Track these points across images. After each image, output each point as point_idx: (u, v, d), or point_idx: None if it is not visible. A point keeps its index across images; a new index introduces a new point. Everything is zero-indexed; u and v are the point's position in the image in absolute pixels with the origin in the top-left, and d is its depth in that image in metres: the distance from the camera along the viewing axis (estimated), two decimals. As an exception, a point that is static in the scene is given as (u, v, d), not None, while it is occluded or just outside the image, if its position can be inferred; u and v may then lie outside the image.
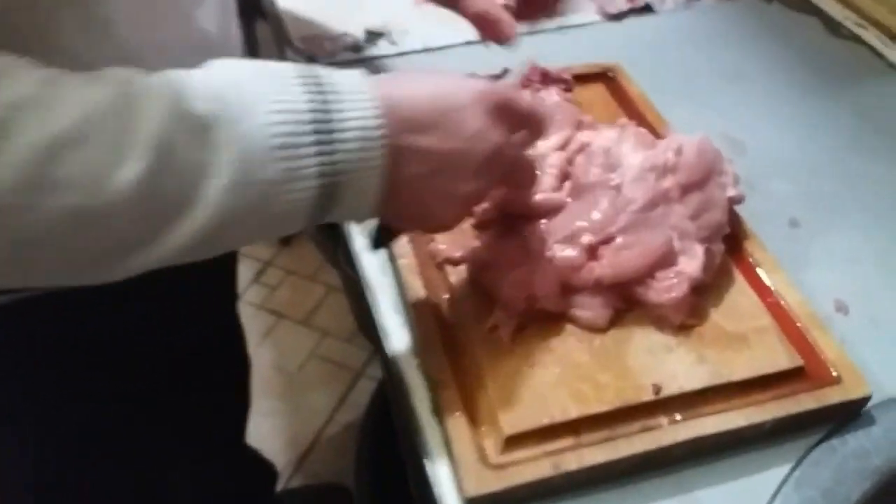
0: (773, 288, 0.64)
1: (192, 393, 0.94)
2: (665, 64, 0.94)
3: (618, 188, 0.63)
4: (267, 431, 1.62)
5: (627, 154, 0.64)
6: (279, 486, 1.45)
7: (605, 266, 0.60)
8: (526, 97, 0.56)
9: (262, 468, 1.26)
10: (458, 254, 0.65)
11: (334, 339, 1.76)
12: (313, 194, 0.44)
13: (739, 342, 0.60)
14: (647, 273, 0.60)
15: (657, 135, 0.77)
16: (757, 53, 0.97)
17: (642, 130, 0.68)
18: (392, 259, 0.67)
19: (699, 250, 0.61)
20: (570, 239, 0.61)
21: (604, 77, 0.87)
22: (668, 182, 0.62)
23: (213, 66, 0.44)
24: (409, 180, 0.47)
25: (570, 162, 0.67)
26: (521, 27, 0.80)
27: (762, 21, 1.03)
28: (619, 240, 0.61)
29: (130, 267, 0.41)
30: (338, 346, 1.75)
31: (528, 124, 0.54)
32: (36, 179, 0.35)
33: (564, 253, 0.60)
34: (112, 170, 0.37)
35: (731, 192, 0.65)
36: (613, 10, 1.01)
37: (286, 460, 1.58)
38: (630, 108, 0.83)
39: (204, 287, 0.78)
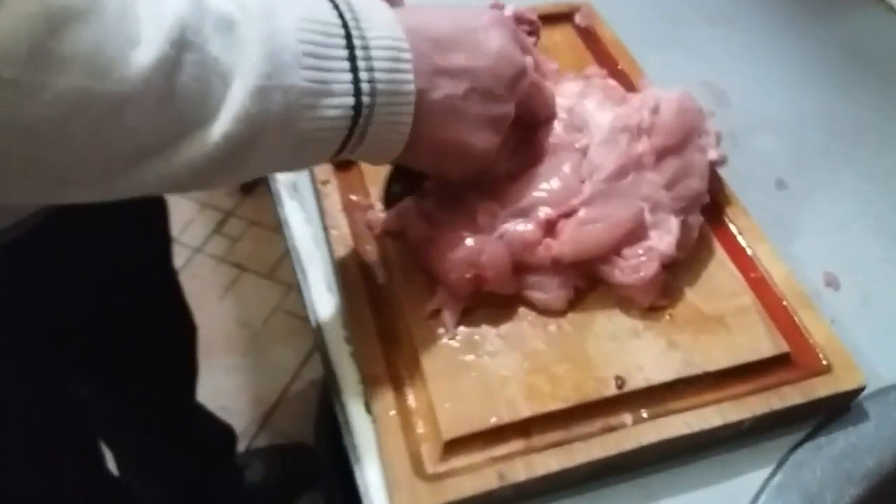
0: (756, 261, 0.56)
1: (128, 353, 0.89)
2: (642, 4, 0.85)
3: (583, 151, 0.54)
4: (231, 389, 1.56)
5: (594, 112, 0.55)
6: (243, 446, 1.41)
7: (565, 243, 0.52)
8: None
9: (218, 431, 1.21)
10: (397, 224, 0.57)
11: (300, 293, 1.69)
12: (345, 114, 0.41)
13: (716, 325, 0.53)
14: (613, 251, 0.52)
15: (632, 87, 0.69)
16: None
17: (611, 83, 0.59)
18: (325, 228, 0.59)
19: (674, 224, 0.53)
20: (525, 212, 0.52)
21: (572, 18, 0.77)
22: (642, 146, 0.53)
23: None
24: (441, 104, 0.45)
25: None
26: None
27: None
28: (581, 213, 0.53)
29: (137, 181, 0.36)
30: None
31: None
32: (38, 54, 0.31)
33: (517, 228, 0.52)
34: (126, 52, 0.33)
35: (712, 156, 0.57)
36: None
37: (251, 419, 1.52)
38: (601, 55, 0.74)
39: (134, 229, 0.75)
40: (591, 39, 0.76)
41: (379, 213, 0.58)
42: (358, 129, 0.42)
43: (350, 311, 0.53)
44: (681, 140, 0.54)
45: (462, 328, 0.52)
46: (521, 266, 0.52)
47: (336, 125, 0.41)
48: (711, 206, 0.59)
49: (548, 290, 0.52)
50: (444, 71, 0.45)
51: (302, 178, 0.64)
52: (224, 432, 1.22)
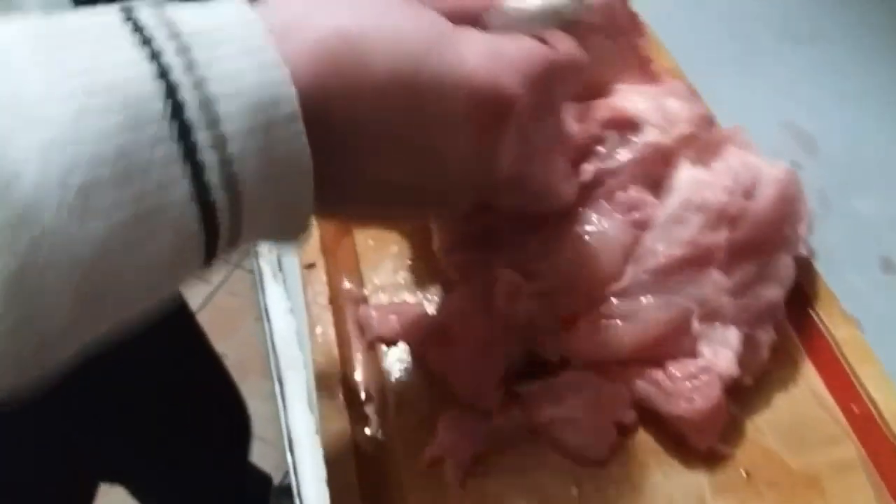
0: (860, 388, 0.43)
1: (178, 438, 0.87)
2: (709, 22, 0.71)
3: (640, 225, 0.41)
4: (267, 416, 1.47)
5: (682, 169, 0.42)
6: (277, 479, 1.35)
7: (578, 339, 0.39)
8: (564, 41, 0.34)
9: (255, 480, 1.16)
10: (393, 328, 0.45)
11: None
12: (185, 232, 0.25)
13: (809, 489, 0.39)
14: (647, 360, 0.40)
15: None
16: (840, 3, 0.72)
17: (718, 133, 0.45)
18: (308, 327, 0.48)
19: (733, 336, 0.40)
20: (550, 293, 0.40)
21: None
22: (718, 236, 0.40)
23: None
24: (348, 188, 0.30)
25: (588, 148, 0.42)
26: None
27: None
28: (613, 303, 0.40)
29: None
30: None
31: (562, 92, 0.35)
32: None
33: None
34: None
35: (803, 252, 0.43)
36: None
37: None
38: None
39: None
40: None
41: (374, 310, 0.46)
42: (222, 236, 0.26)
43: (330, 461, 0.41)
44: (770, 237, 0.41)
45: (471, 483, 0.40)
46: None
47: (178, 256, 0.25)
48: (797, 299, 0.45)
49: (582, 432, 0.40)
50: (359, 128, 0.29)
51: (289, 253, 0.53)
52: (260, 480, 1.16)
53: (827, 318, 0.46)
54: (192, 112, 0.24)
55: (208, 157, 0.24)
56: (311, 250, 0.50)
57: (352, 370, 0.45)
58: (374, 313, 0.46)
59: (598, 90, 0.42)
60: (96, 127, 0.22)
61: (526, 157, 0.33)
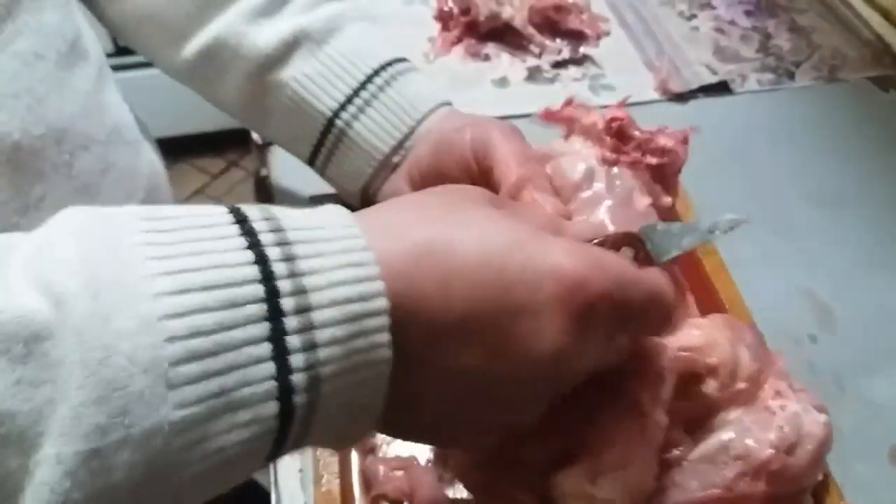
0: None
1: None
2: (733, 170, 0.72)
3: (667, 463, 0.40)
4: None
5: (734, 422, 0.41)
6: None
7: None
8: (651, 276, 0.33)
9: None
10: (399, 487, 0.45)
11: None
12: (262, 430, 0.26)
13: None
14: None
15: (711, 289, 0.56)
16: (864, 167, 0.73)
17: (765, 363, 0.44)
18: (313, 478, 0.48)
19: None
20: None
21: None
22: (751, 487, 0.39)
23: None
24: (421, 402, 0.31)
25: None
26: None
27: (874, 116, 0.78)
28: None
29: None
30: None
31: (644, 320, 0.34)
32: None
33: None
34: None
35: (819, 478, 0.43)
36: (678, 87, 0.78)
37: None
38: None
39: None
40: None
41: (381, 463, 0.46)
42: (292, 434, 0.27)
43: None
44: (800, 490, 0.41)
45: None
46: None
47: (249, 447, 0.26)
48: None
49: None
50: (437, 370, 0.30)
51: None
52: None
53: (831, 506, 0.46)
54: (289, 318, 0.25)
55: (296, 361, 0.25)
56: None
57: (354, 528, 0.45)
58: (381, 468, 0.46)
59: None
60: (197, 317, 0.24)
61: (609, 359, 0.33)
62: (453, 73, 0.80)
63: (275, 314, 0.25)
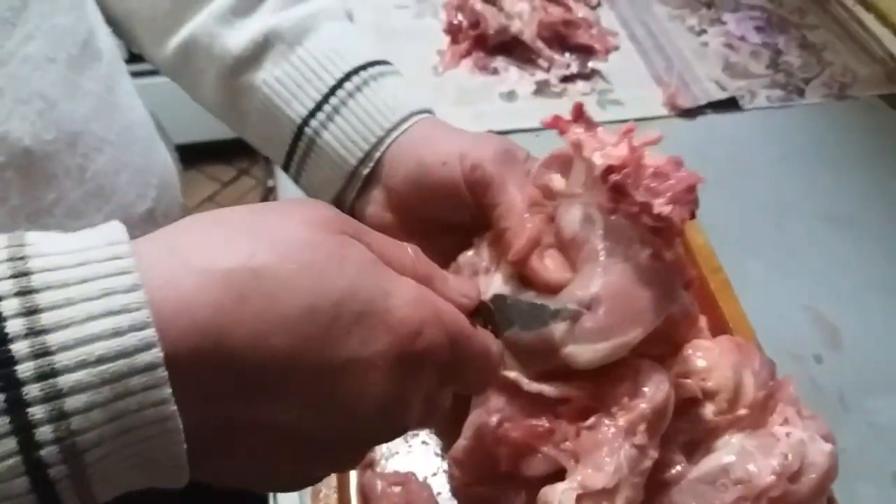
0: None
1: None
2: (741, 187, 0.71)
3: (662, 484, 0.40)
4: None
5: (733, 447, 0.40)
6: None
7: None
8: (483, 336, 0.32)
9: None
10: (394, 501, 0.45)
11: None
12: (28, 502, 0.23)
13: None
14: None
15: (714, 308, 0.56)
16: (874, 186, 0.72)
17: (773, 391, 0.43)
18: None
19: None
20: None
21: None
22: None
23: None
24: (230, 453, 0.27)
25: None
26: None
27: (885, 134, 0.78)
28: None
29: None
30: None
31: (468, 377, 0.32)
32: None
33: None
34: None
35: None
36: (686, 103, 0.78)
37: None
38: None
39: None
40: (674, 239, 0.63)
41: (379, 479, 0.46)
42: (66, 499, 0.23)
43: None
44: None
45: None
46: None
47: None
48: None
49: None
50: (245, 425, 0.26)
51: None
52: None
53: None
54: (29, 387, 0.22)
55: (43, 434, 0.22)
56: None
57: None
58: (379, 483, 0.46)
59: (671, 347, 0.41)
60: None
61: (429, 414, 0.31)
62: (462, 86, 0.80)
63: (11, 384, 0.22)
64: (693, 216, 0.36)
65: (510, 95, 0.79)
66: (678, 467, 0.39)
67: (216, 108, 0.51)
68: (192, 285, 0.24)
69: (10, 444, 0.22)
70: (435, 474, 0.45)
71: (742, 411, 0.40)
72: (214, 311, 0.24)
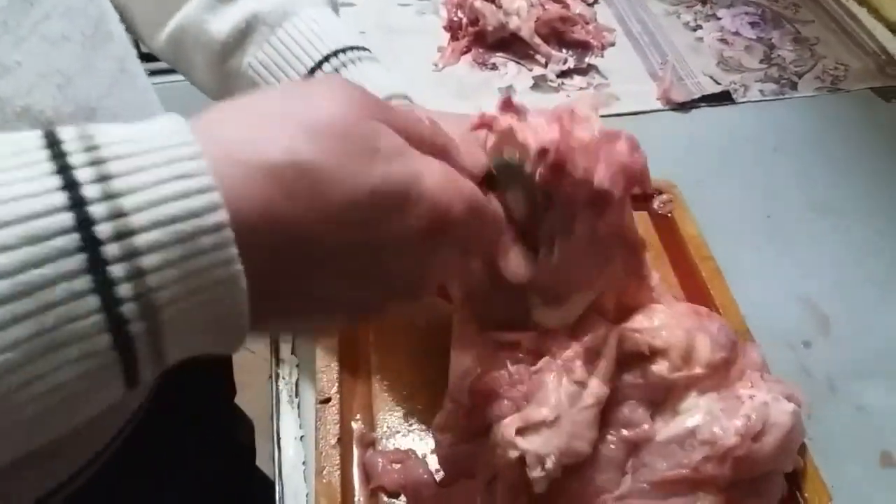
0: None
1: None
2: (734, 179, 0.73)
3: (632, 443, 0.42)
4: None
5: (698, 402, 0.43)
6: None
7: None
8: (493, 202, 0.36)
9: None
10: (396, 479, 0.47)
11: None
12: (107, 360, 0.24)
13: None
14: None
15: (705, 295, 0.58)
16: (865, 177, 0.74)
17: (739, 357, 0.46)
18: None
19: None
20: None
21: (650, 202, 0.66)
22: (717, 470, 0.41)
23: None
24: (296, 285, 0.29)
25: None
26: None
27: (876, 126, 0.79)
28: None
29: None
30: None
31: (483, 240, 0.37)
32: None
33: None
34: None
35: (788, 469, 0.45)
36: (681, 97, 0.80)
37: None
38: (675, 251, 0.63)
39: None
40: (667, 229, 0.65)
41: (379, 457, 0.48)
42: (141, 360, 0.25)
43: None
44: (766, 468, 0.42)
45: None
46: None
47: (93, 380, 0.24)
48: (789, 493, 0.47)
49: None
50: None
51: (307, 381, 0.55)
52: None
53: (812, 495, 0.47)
54: (108, 246, 0.23)
55: (123, 291, 0.23)
56: (327, 385, 0.52)
57: (352, 519, 0.46)
58: (379, 461, 0.48)
59: (622, 310, 0.44)
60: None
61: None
62: (462, 81, 0.82)
63: (91, 243, 0.23)
64: (639, 187, 0.38)
65: (509, 90, 0.81)
66: (645, 426, 0.42)
67: (212, 93, 0.53)
68: (239, 179, 0.26)
69: (93, 301, 0.23)
70: (433, 452, 0.47)
71: (698, 370, 0.42)
72: (263, 205, 0.26)
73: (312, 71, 0.48)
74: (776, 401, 0.42)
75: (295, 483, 0.51)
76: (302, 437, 0.53)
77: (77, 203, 0.23)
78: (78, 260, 0.23)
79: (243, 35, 0.49)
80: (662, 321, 0.42)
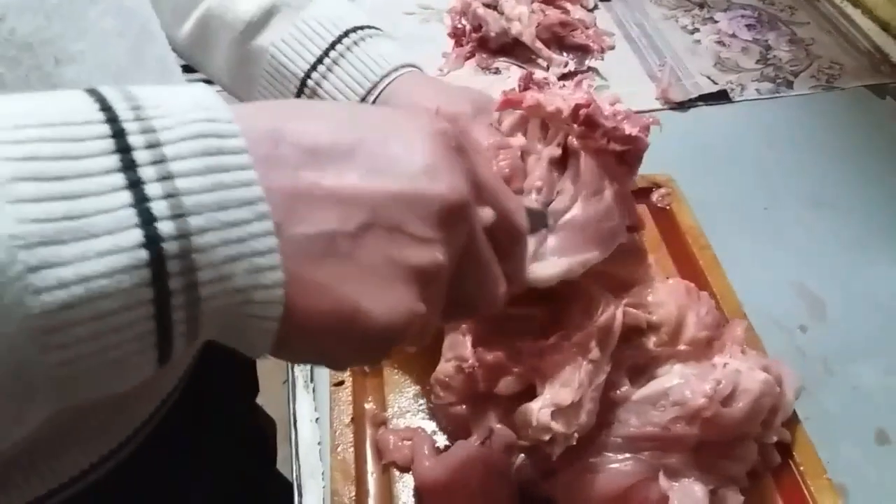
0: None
1: None
2: (731, 174, 0.75)
3: (609, 402, 0.45)
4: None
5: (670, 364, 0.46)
6: None
7: (559, 487, 0.43)
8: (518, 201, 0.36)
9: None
10: (407, 455, 0.49)
11: None
12: (130, 262, 0.23)
13: None
14: None
15: (703, 282, 0.60)
16: (858, 170, 0.76)
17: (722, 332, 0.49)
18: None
19: (699, 491, 0.43)
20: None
21: (649, 195, 0.68)
22: (687, 430, 0.43)
23: None
24: (308, 247, 0.27)
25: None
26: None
27: (870, 123, 0.82)
28: (588, 460, 0.44)
29: None
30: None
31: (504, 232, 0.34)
32: None
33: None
34: None
35: (772, 440, 0.47)
36: (679, 96, 0.82)
37: None
38: (674, 241, 0.65)
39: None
40: (665, 221, 0.67)
41: (391, 434, 0.50)
42: (175, 303, 0.24)
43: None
44: (737, 434, 0.45)
45: None
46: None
47: (121, 291, 0.23)
48: (784, 466, 0.49)
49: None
50: (318, 193, 0.27)
51: (321, 367, 0.58)
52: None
53: (812, 483, 0.49)
54: (139, 152, 0.24)
55: (153, 190, 0.24)
56: (340, 368, 0.55)
57: (365, 492, 0.48)
58: (391, 438, 0.50)
59: (620, 285, 0.46)
60: (34, 146, 0.22)
61: None
62: (466, 85, 0.84)
63: (123, 148, 0.24)
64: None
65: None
66: (624, 388, 0.44)
67: (228, 78, 0.57)
68: (250, 111, 0.28)
69: (125, 197, 0.23)
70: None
71: (681, 346, 0.44)
72: (272, 116, 0.28)
73: (333, 44, 0.52)
74: (750, 370, 0.44)
75: (312, 461, 0.53)
76: (317, 419, 0.55)
77: (112, 119, 0.24)
78: (112, 160, 0.23)
79: (268, 15, 0.53)
80: (659, 298, 0.45)
